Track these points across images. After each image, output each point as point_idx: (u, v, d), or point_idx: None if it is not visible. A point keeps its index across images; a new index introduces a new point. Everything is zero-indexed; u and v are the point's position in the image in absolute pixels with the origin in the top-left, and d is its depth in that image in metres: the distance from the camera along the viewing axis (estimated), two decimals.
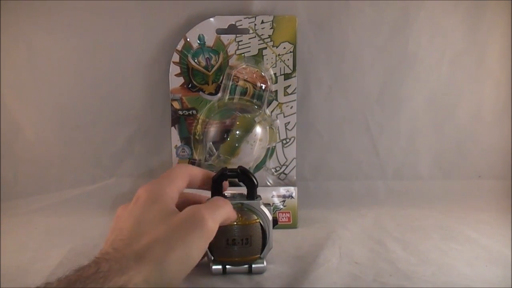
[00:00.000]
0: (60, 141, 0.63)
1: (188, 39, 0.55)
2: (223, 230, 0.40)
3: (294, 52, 0.55)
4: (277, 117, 0.56)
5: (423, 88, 0.64)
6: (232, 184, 0.42)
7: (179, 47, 0.55)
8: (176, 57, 0.56)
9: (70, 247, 0.48)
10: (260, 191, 0.42)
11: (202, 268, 0.41)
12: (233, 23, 0.55)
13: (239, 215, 0.40)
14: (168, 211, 0.33)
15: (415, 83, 0.63)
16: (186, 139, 0.56)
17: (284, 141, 0.57)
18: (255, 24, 0.55)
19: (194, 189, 0.40)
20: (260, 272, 0.42)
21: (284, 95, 0.56)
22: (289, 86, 0.56)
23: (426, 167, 0.65)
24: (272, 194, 0.55)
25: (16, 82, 0.61)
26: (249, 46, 0.55)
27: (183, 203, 0.35)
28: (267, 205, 0.41)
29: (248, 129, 0.54)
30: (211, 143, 0.55)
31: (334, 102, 0.63)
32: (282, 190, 0.55)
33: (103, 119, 0.62)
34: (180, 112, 0.56)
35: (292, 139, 0.57)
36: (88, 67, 0.61)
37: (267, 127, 0.55)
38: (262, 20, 0.55)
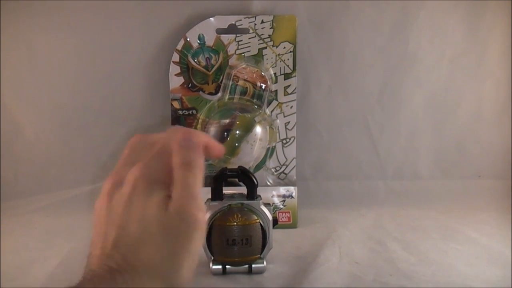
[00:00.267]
0: (60, 141, 0.63)
1: (188, 39, 0.55)
2: (223, 230, 0.40)
3: (294, 52, 0.55)
4: (277, 116, 0.56)
5: (423, 88, 0.64)
6: (232, 184, 0.42)
7: (179, 47, 0.55)
8: (176, 57, 0.56)
9: (70, 247, 0.48)
10: (260, 191, 0.42)
11: (202, 268, 0.41)
12: (233, 23, 0.55)
13: (239, 215, 0.40)
14: (165, 210, 0.32)
15: (415, 83, 0.63)
16: None
17: (284, 141, 0.57)
18: (255, 24, 0.55)
19: None
20: (260, 272, 0.42)
21: (284, 95, 0.56)
22: (289, 86, 0.56)
23: (426, 167, 0.65)
24: (272, 194, 0.55)
25: (16, 82, 0.61)
26: (249, 46, 0.55)
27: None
28: (267, 205, 0.41)
29: (248, 129, 0.54)
30: None
31: (334, 102, 0.63)
32: (282, 190, 0.55)
33: (103, 119, 0.62)
34: (180, 112, 0.56)
35: (292, 139, 0.57)
36: (88, 67, 0.61)
37: (267, 127, 0.55)
38: (262, 20, 0.55)
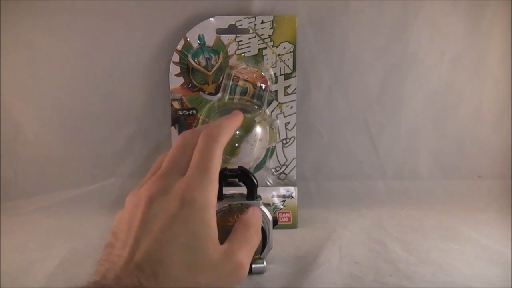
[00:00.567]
0: (60, 141, 0.63)
1: (188, 39, 0.55)
2: (224, 230, 0.39)
3: (294, 52, 0.55)
4: (277, 117, 0.56)
5: (423, 88, 0.64)
6: (232, 184, 0.42)
7: (179, 47, 0.55)
8: (176, 57, 0.56)
9: (70, 247, 0.48)
10: (260, 191, 0.42)
11: None
12: (233, 23, 0.55)
13: (239, 215, 0.40)
14: (214, 245, 0.31)
15: (415, 83, 0.63)
16: None
17: (284, 141, 0.57)
18: (255, 24, 0.55)
19: None
20: (260, 272, 0.42)
21: (284, 95, 0.56)
22: (289, 86, 0.56)
23: (426, 167, 0.65)
24: (272, 194, 0.55)
25: (16, 82, 0.61)
26: (249, 46, 0.55)
27: None
28: (267, 205, 0.41)
29: (248, 129, 0.54)
30: None
31: (334, 102, 0.63)
32: (282, 190, 0.55)
33: (103, 119, 0.62)
34: (180, 112, 0.56)
35: (292, 139, 0.57)
36: (88, 67, 0.61)
37: (267, 127, 0.55)
38: (262, 20, 0.55)
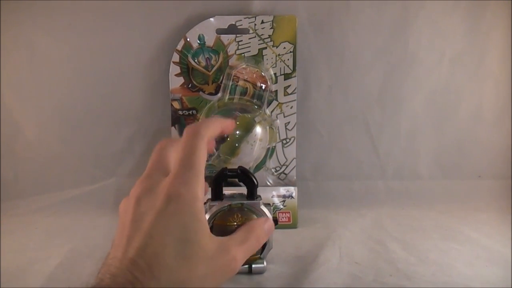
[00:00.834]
0: (60, 141, 0.63)
1: (188, 39, 0.55)
2: (223, 230, 0.40)
3: (294, 52, 0.55)
4: (277, 117, 0.56)
5: (423, 88, 0.64)
6: (232, 184, 0.42)
7: (179, 47, 0.55)
8: (176, 57, 0.56)
9: (70, 247, 0.48)
10: (260, 191, 0.42)
11: None
12: (233, 23, 0.55)
13: (239, 215, 0.40)
14: (205, 237, 0.31)
15: (415, 83, 0.63)
16: None
17: (284, 141, 0.57)
18: (255, 24, 0.55)
19: None
20: (260, 272, 0.42)
21: (284, 95, 0.56)
22: (289, 86, 0.56)
23: (426, 167, 0.65)
24: (272, 194, 0.55)
25: (16, 82, 0.61)
26: (249, 46, 0.55)
27: None
28: (267, 205, 0.41)
29: (248, 129, 0.54)
30: None
31: (334, 102, 0.63)
32: (282, 190, 0.55)
33: (103, 119, 0.62)
34: (180, 112, 0.56)
35: (292, 139, 0.57)
36: (88, 67, 0.61)
37: (267, 127, 0.55)
38: (262, 20, 0.55)
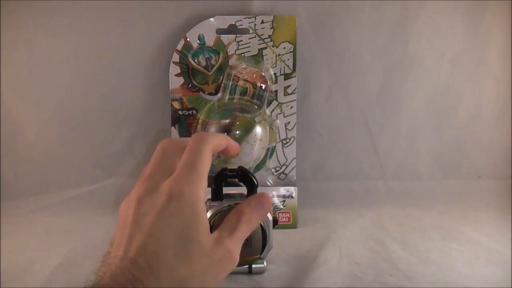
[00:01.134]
0: (60, 141, 0.63)
1: (188, 39, 0.55)
2: None
3: (294, 52, 0.55)
4: (277, 117, 0.56)
5: (423, 88, 0.64)
6: (232, 184, 0.42)
7: (179, 47, 0.55)
8: (176, 57, 0.56)
9: (70, 247, 0.48)
10: (260, 191, 0.42)
11: None
12: (233, 23, 0.55)
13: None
14: (205, 235, 0.31)
15: (415, 83, 0.63)
16: None
17: (284, 141, 0.57)
18: (255, 24, 0.55)
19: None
20: (260, 272, 0.42)
21: (284, 95, 0.56)
22: (289, 86, 0.56)
23: (426, 167, 0.65)
24: (272, 194, 0.55)
25: (16, 82, 0.61)
26: (249, 46, 0.55)
27: None
28: None
29: (248, 129, 0.54)
30: None
31: (334, 102, 0.63)
32: (282, 190, 0.55)
33: (103, 119, 0.62)
34: (180, 112, 0.56)
35: (292, 139, 0.57)
36: (88, 67, 0.61)
37: (267, 127, 0.55)
38: (262, 20, 0.55)
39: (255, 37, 0.55)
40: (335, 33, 0.61)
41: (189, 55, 0.55)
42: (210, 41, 0.55)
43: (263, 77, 0.55)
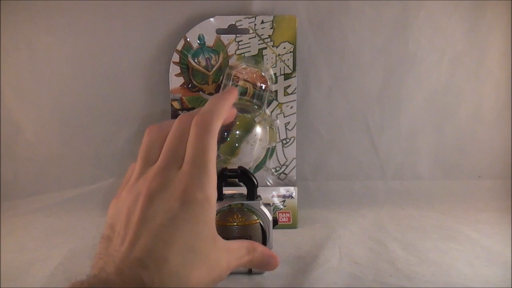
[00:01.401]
0: (60, 141, 0.63)
1: (188, 39, 0.55)
2: (224, 230, 0.40)
3: (294, 52, 0.55)
4: (277, 117, 0.56)
5: (423, 88, 0.64)
6: (232, 184, 0.42)
7: (179, 47, 0.55)
8: (176, 57, 0.56)
9: (70, 247, 0.48)
10: (260, 191, 0.42)
11: None
12: (233, 23, 0.55)
13: (239, 216, 0.40)
14: (213, 248, 0.31)
15: (415, 83, 0.63)
16: None
17: (284, 141, 0.57)
18: (255, 24, 0.55)
19: None
20: (260, 272, 0.42)
21: (284, 95, 0.56)
22: (289, 86, 0.56)
23: (426, 167, 0.65)
24: (272, 194, 0.55)
25: (16, 82, 0.61)
26: (249, 46, 0.55)
27: None
28: (267, 205, 0.41)
29: (248, 129, 0.54)
30: None
31: (334, 102, 0.63)
32: (282, 190, 0.55)
33: (103, 119, 0.62)
34: (180, 112, 0.56)
35: (292, 139, 0.57)
36: (88, 67, 0.61)
37: (267, 127, 0.55)
38: (262, 20, 0.55)
39: (255, 37, 0.55)
40: (335, 33, 0.61)
41: (189, 55, 0.55)
42: (210, 41, 0.55)
43: (263, 77, 0.55)
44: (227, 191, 0.41)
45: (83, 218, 0.57)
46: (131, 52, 0.60)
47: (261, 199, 0.41)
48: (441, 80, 0.64)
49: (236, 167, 0.41)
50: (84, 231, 0.53)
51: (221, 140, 0.54)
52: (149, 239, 0.28)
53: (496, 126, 0.65)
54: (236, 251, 0.35)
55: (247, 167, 0.42)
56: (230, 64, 0.56)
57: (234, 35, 0.55)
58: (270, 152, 0.56)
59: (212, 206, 0.31)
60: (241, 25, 0.55)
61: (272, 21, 0.55)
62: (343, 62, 0.62)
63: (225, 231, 0.39)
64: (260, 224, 0.40)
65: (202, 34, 0.55)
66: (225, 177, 0.40)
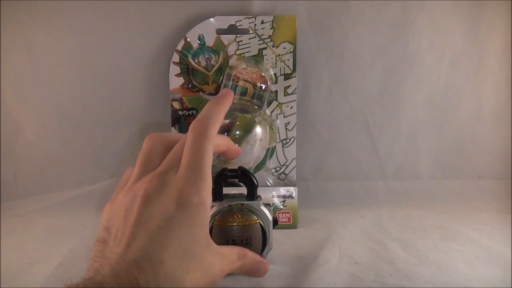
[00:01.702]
0: (60, 141, 0.63)
1: (188, 39, 0.55)
2: (224, 230, 0.40)
3: (294, 52, 0.55)
4: (277, 117, 0.56)
5: (423, 88, 0.64)
6: (232, 185, 0.42)
7: (179, 47, 0.55)
8: (176, 57, 0.56)
9: (70, 247, 0.48)
10: (260, 191, 0.42)
11: None
12: (233, 23, 0.55)
13: (239, 216, 0.40)
14: (206, 252, 0.32)
15: (415, 83, 0.63)
16: None
17: (284, 141, 0.57)
18: (255, 24, 0.55)
19: None
20: None
21: (284, 95, 0.56)
22: (289, 86, 0.56)
23: (426, 167, 0.65)
24: (272, 194, 0.55)
25: (16, 82, 0.61)
26: (249, 46, 0.55)
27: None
28: (267, 205, 0.41)
29: (248, 129, 0.54)
30: None
31: (334, 102, 0.63)
32: (282, 190, 0.55)
33: (103, 119, 0.62)
34: (180, 112, 0.56)
35: (292, 139, 0.57)
36: (88, 67, 0.61)
37: (267, 127, 0.55)
38: (262, 20, 0.55)
39: (255, 37, 0.55)
40: (335, 33, 0.61)
41: (189, 55, 0.55)
42: (210, 41, 0.55)
43: (263, 77, 0.55)
44: (227, 191, 0.41)
45: (83, 218, 0.57)
46: (131, 52, 0.60)
47: (261, 199, 0.41)
48: (441, 80, 0.64)
49: (236, 167, 0.41)
50: (84, 231, 0.53)
51: None
52: (145, 240, 0.28)
53: (496, 126, 0.65)
54: (228, 257, 0.34)
55: (247, 167, 0.42)
56: (230, 64, 0.56)
57: (234, 35, 0.55)
58: (270, 152, 0.56)
59: (207, 211, 0.31)
60: (241, 25, 0.55)
61: (272, 21, 0.55)
62: (343, 62, 0.62)
63: (225, 231, 0.39)
64: (260, 224, 0.40)
65: (202, 34, 0.55)
66: (225, 177, 0.40)
